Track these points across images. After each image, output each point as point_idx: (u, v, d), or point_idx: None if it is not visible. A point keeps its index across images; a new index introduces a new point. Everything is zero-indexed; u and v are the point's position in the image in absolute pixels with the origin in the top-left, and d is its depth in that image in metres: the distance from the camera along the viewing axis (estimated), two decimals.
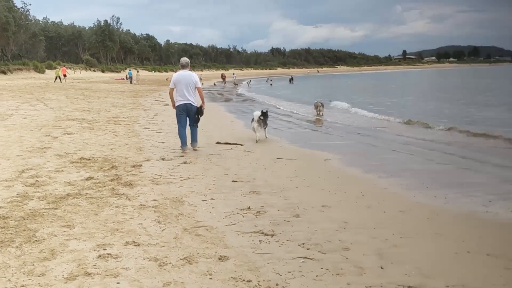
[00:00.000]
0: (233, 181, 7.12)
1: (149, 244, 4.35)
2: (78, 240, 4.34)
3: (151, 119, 15.92)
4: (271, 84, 59.83)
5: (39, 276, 3.55)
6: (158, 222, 5.00)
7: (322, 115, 19.17)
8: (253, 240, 4.59)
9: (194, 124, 9.86)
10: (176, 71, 10.91)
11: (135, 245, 4.28)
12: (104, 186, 6.43)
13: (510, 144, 10.98)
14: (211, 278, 3.68)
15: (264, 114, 11.81)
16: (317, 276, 3.82)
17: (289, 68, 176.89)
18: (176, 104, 9.69)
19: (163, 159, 8.65)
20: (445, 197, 6.38)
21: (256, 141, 11.39)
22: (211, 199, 6.04)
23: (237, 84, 60.11)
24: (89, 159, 8.25)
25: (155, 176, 7.20)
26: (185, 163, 8.41)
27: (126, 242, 4.35)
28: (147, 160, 8.52)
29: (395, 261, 4.18)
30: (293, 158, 9.22)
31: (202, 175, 7.48)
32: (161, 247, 4.30)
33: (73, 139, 10.56)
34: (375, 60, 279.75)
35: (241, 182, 7.05)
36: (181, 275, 3.70)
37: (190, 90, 9.54)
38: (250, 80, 66.75)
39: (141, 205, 5.62)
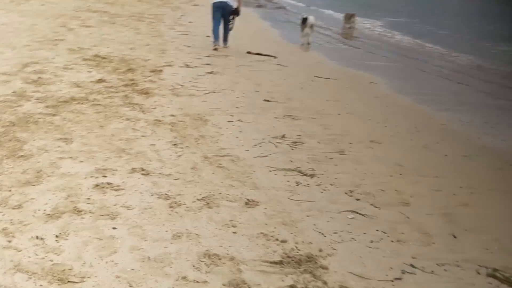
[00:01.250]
0: (265, 100, 6.11)
1: (160, 174, 3.49)
2: (74, 160, 3.50)
3: (177, 19, 14.59)
4: None
5: (13, 208, 2.75)
6: (174, 144, 4.11)
7: (354, 27, 17.75)
8: (288, 181, 3.69)
9: (229, 24, 9.80)
10: None
11: (143, 174, 3.43)
12: (117, 92, 5.51)
13: None
14: (234, 232, 2.83)
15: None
16: (372, 242, 2.95)
17: None
18: (213, 1, 9.55)
19: (187, 66, 7.62)
20: None
21: (302, 45, 11.47)
22: (239, 120, 5.09)
23: None
24: (104, 58, 7.27)
25: (176, 86, 6.22)
26: (211, 72, 7.37)
27: (133, 168, 3.49)
28: (169, 65, 7.50)
29: (469, 227, 3.26)
30: (333, 78, 8.08)
31: (230, 89, 6.47)
32: (175, 179, 3.44)
33: (90, 32, 9.52)
34: None
35: (274, 102, 6.04)
36: (197, 224, 2.86)
37: None
38: None
39: (156, 120, 4.71)
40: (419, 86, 8.30)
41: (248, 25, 12.21)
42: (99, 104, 4.94)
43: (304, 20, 11.84)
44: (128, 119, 4.60)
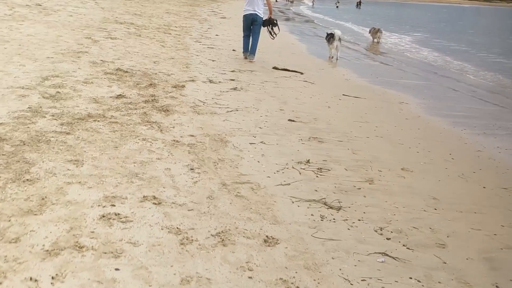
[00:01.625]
0: (289, 119, 5.82)
1: (173, 203, 3.22)
2: (82, 185, 3.27)
3: (204, 32, 14.52)
4: (337, 7, 55.88)
5: (10, 242, 2.51)
6: (191, 169, 3.84)
7: (380, 41, 18.45)
8: (312, 214, 3.37)
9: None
10: None
11: (155, 203, 3.17)
12: (136, 109, 5.30)
13: None
14: (250, 277, 2.53)
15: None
16: None
17: None
18: (243, 13, 9.89)
19: (211, 81, 7.40)
20: None
21: (330, 58, 12.07)
22: (262, 142, 4.80)
23: (293, 2, 58.01)
24: (126, 72, 7.11)
25: (197, 103, 6.00)
26: (235, 89, 7.13)
27: (144, 196, 3.23)
28: (192, 80, 7.29)
29: None
30: (362, 97, 7.75)
31: (253, 107, 6.21)
32: (189, 210, 3.16)
33: (115, 45, 9.43)
34: None
35: (299, 123, 5.75)
36: (209, 265, 2.57)
37: (259, 2, 9.68)
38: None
39: (174, 140, 4.46)
40: (452, 107, 7.89)
41: (275, 39, 11.94)
42: (116, 122, 4.73)
43: (331, 35, 11.85)
44: (144, 139, 4.36)
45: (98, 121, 4.71)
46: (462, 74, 12.05)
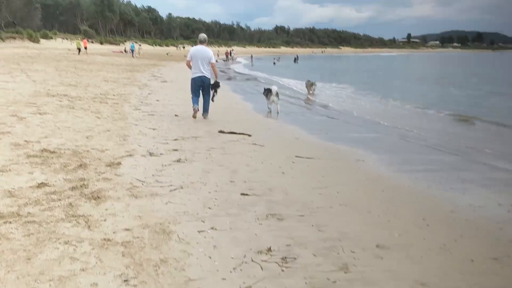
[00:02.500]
0: (242, 193, 5.15)
1: None
2: None
3: (144, 98, 13.88)
4: (274, 63, 57.15)
5: None
6: (125, 280, 3.04)
7: (314, 94, 19.08)
8: None
9: (210, 97, 10.61)
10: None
11: None
12: (60, 200, 4.47)
13: None
14: None
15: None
16: None
17: (292, 47, 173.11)
18: (192, 77, 10.33)
19: (151, 154, 6.67)
20: None
21: (268, 113, 12.52)
22: (212, 228, 4.08)
23: (227, 61, 60.64)
24: (53, 152, 6.28)
25: (135, 183, 5.23)
26: (178, 160, 6.43)
27: None
28: (130, 155, 6.54)
29: None
30: (316, 157, 7.25)
31: (200, 181, 5.51)
32: None
33: (43, 121, 8.56)
34: (380, 42, 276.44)
35: (253, 196, 5.09)
36: None
37: (205, 65, 10.23)
38: (252, 56, 64.65)
39: (105, 239, 3.66)
40: (409, 160, 7.54)
41: (219, 99, 11.49)
42: (33, 221, 3.88)
43: (269, 90, 12.81)
44: (67, 242, 3.53)
45: (10, 222, 3.85)
46: (406, 122, 11.96)
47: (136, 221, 4.10)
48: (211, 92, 10.68)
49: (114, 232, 3.81)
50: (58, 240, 3.56)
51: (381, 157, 7.56)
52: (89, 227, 3.88)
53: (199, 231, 3.98)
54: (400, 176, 6.40)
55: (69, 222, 3.94)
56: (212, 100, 10.80)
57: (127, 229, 3.89)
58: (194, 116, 10.35)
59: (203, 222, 4.21)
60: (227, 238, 3.89)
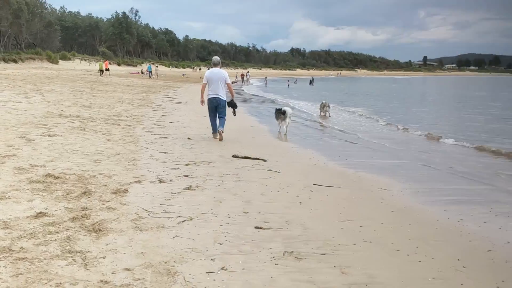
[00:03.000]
0: (256, 227, 4.72)
1: None
2: None
3: (157, 120, 13.62)
4: (288, 86, 56.60)
5: None
6: None
7: (329, 116, 18.90)
8: None
9: (224, 116, 10.73)
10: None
11: None
12: (57, 232, 4.09)
13: None
14: None
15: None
16: None
17: (308, 70, 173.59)
18: (208, 98, 10.57)
19: (160, 181, 6.30)
20: None
21: (280, 133, 12.66)
22: (223, 268, 3.65)
23: (248, 82, 61.17)
24: (58, 177, 5.94)
25: (141, 213, 4.84)
26: (189, 188, 6.04)
27: None
28: (138, 181, 6.17)
29: None
30: (336, 185, 6.80)
31: (211, 212, 5.10)
32: None
33: (52, 143, 8.28)
34: (396, 65, 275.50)
35: (269, 229, 4.66)
36: None
37: (220, 86, 10.53)
38: (266, 77, 65.08)
39: (101, 281, 3.25)
40: (436, 189, 7.01)
41: (234, 121, 11.18)
42: (24, 258, 3.50)
43: (283, 112, 12.76)
44: (58, 285, 3.13)
45: (0, 259, 3.46)
46: (428, 148, 11.45)
47: (138, 259, 3.69)
48: (231, 109, 11.25)
49: (112, 273, 3.40)
50: (49, 282, 3.16)
51: (405, 186, 7.07)
52: (85, 265, 3.47)
53: (207, 272, 3.55)
54: (427, 208, 5.90)
55: (65, 259, 3.55)
56: (234, 114, 11.58)
57: (127, 269, 3.48)
58: (215, 138, 10.70)
59: (213, 261, 3.78)
60: (239, 281, 3.45)
